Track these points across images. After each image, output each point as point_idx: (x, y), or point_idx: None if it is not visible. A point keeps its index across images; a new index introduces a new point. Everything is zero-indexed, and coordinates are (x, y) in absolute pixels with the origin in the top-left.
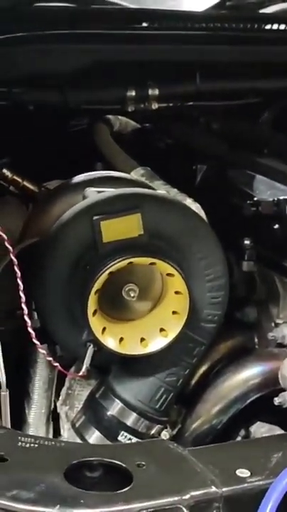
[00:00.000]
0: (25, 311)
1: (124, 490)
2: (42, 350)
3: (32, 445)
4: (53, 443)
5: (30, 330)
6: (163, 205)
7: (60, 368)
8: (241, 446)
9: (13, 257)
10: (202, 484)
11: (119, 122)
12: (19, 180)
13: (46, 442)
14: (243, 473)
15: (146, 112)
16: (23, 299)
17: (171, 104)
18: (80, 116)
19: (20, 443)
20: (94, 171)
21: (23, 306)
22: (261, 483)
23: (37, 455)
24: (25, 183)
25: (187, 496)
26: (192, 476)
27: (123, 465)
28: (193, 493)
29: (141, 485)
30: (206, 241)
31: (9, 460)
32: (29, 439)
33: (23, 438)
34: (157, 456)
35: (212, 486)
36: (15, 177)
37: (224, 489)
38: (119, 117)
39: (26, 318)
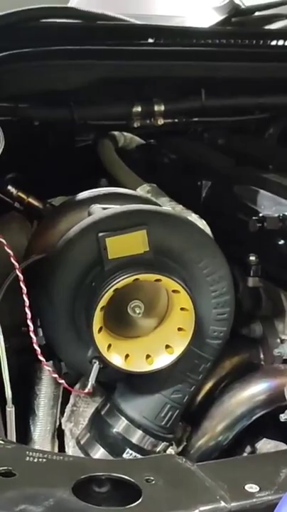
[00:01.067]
0: (31, 327)
1: (133, 505)
2: (47, 368)
3: (40, 460)
4: (61, 458)
5: (35, 347)
6: (168, 222)
7: (65, 385)
8: (249, 461)
9: (18, 273)
10: (211, 499)
11: (124, 138)
12: (24, 196)
13: (54, 457)
14: (252, 488)
15: (152, 128)
16: (29, 315)
17: (176, 120)
18: (86, 132)
19: (28, 457)
20: (98, 187)
21: (29, 322)
22: (269, 498)
23: (45, 470)
24: (30, 200)
25: (195, 511)
26: (201, 492)
27: (132, 480)
28: (202, 509)
29: (149, 500)
30: (212, 257)
31: (17, 475)
32: (37, 453)
33: (30, 453)
34: (165, 471)
35: (221, 501)
36: (20, 193)
37: (232, 504)
38: (124, 133)
39: (32, 334)
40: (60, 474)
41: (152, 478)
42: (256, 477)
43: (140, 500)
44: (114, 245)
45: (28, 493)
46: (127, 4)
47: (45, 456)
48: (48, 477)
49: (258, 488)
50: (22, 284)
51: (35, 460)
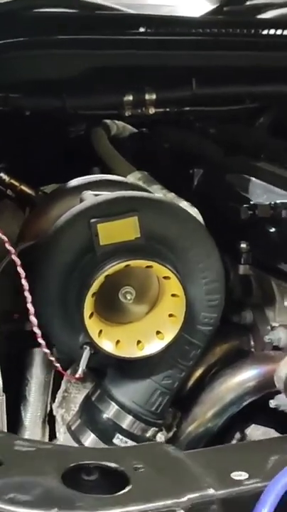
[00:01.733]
0: (31, 310)
1: (121, 493)
2: (46, 350)
3: (28, 449)
4: (50, 446)
5: (35, 330)
6: (159, 209)
7: (60, 369)
8: (238, 448)
9: (15, 258)
10: (199, 487)
11: (116, 127)
12: (16, 184)
13: (43, 446)
14: (240, 475)
15: (143, 117)
16: (29, 298)
17: (168, 109)
18: (78, 121)
19: (16, 447)
20: (91, 175)
21: (29, 306)
22: (258, 485)
23: (33, 458)
24: (23, 187)
25: (184, 499)
26: (189, 479)
27: (120, 468)
28: (190, 496)
29: (137, 488)
30: (203, 244)
31: (5, 464)
32: (25, 442)
33: (19, 442)
34: (154, 459)
35: (209, 489)
36: (12, 181)
37: (221, 492)
38: (116, 122)
39: (33, 318)
40: (49, 463)
41: (140, 466)
42: (245, 465)
43: (128, 488)
44: (106, 231)
45: (16, 481)
46: None
47: (34, 445)
48: (37, 466)
49: (246, 476)
50: (19, 269)
51: (24, 449)
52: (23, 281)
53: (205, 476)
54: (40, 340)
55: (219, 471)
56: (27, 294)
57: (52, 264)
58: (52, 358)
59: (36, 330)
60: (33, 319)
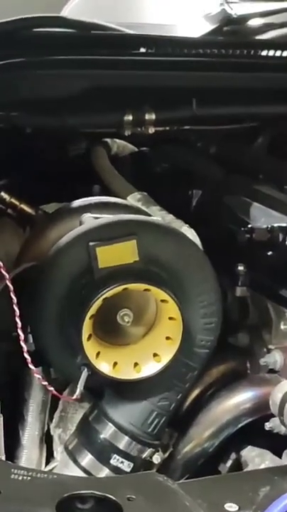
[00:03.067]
0: (21, 336)
1: None
2: (37, 375)
3: (25, 478)
4: (46, 475)
5: (25, 355)
6: (158, 232)
7: (54, 392)
8: (229, 479)
9: (8, 283)
10: None
11: (117, 145)
12: (16, 203)
13: (39, 475)
14: (231, 507)
15: (143, 136)
16: (19, 324)
17: (167, 128)
18: (78, 139)
19: (13, 475)
20: (91, 193)
21: (19, 332)
22: None
23: (29, 488)
24: (23, 206)
25: None
26: (181, 510)
27: (114, 498)
28: None
29: None
30: (200, 268)
31: (2, 492)
32: (22, 471)
33: (16, 470)
34: (147, 490)
35: None
36: (12, 200)
37: None
38: (117, 140)
39: (22, 343)
40: (44, 492)
41: (133, 496)
42: (236, 496)
43: None
44: (104, 255)
45: (12, 510)
46: (119, 13)
47: (30, 473)
48: (33, 495)
49: (237, 507)
50: (12, 295)
51: (20, 478)
52: (15, 307)
53: (197, 507)
54: (31, 366)
55: (211, 503)
56: (17, 319)
57: (51, 285)
58: (45, 383)
59: (26, 356)
60: (24, 345)
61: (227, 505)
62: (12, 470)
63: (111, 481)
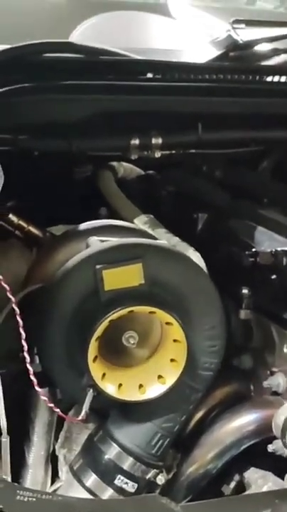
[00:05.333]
0: (27, 359)
1: None
2: (43, 397)
3: (30, 499)
4: (51, 497)
5: (32, 378)
6: (163, 256)
7: (60, 413)
8: (231, 502)
9: (14, 307)
10: None
11: (123, 169)
12: (24, 225)
13: (44, 496)
14: None
15: (149, 160)
16: (25, 347)
17: (174, 152)
18: (84, 163)
19: (18, 496)
20: (98, 216)
21: (25, 354)
22: None
23: (34, 509)
24: (30, 228)
25: None
26: None
27: None
28: None
29: None
30: (204, 291)
31: None
32: (27, 492)
33: (21, 492)
34: None
35: None
36: (20, 222)
37: None
38: (123, 164)
39: (28, 366)
40: None
41: None
42: None
43: None
44: (110, 277)
45: None
46: (127, 38)
47: (35, 495)
48: None
49: None
50: (18, 318)
51: (25, 499)
52: (21, 330)
53: None
54: (37, 389)
55: None
56: (24, 342)
57: (57, 307)
58: (51, 405)
59: (33, 378)
60: (30, 368)
61: None
62: (17, 491)
63: (116, 504)
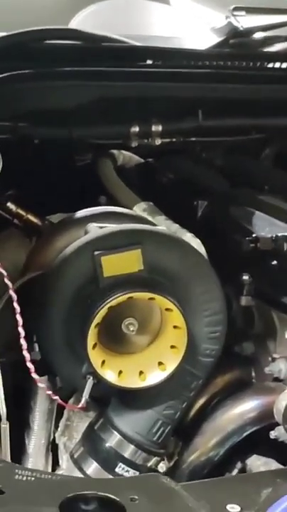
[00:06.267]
0: (24, 346)
1: None
2: (41, 385)
3: (28, 478)
4: (49, 476)
5: (29, 365)
6: (163, 242)
7: (59, 401)
8: (232, 481)
9: (12, 293)
10: None
11: (123, 157)
12: (23, 213)
13: (42, 475)
14: (233, 508)
15: (149, 148)
16: (22, 334)
17: (174, 140)
18: (84, 150)
19: (17, 476)
20: (97, 204)
21: (22, 341)
22: None
23: (33, 488)
24: (29, 217)
25: None
26: (184, 511)
27: (117, 499)
28: None
29: None
30: (205, 277)
31: (6, 493)
32: (26, 472)
33: (19, 471)
34: (150, 491)
35: None
36: (19, 210)
37: None
38: (123, 152)
39: (25, 353)
40: (48, 493)
41: (136, 497)
42: (238, 497)
43: None
44: (109, 264)
45: (16, 510)
46: (126, 25)
47: (34, 474)
48: (36, 495)
49: (239, 508)
50: (15, 304)
51: (24, 478)
52: (18, 317)
53: (200, 508)
54: (35, 376)
55: (213, 504)
56: (21, 329)
57: (56, 294)
58: (50, 392)
59: (30, 365)
60: (27, 354)
61: (229, 507)
62: (16, 471)
63: (115, 482)
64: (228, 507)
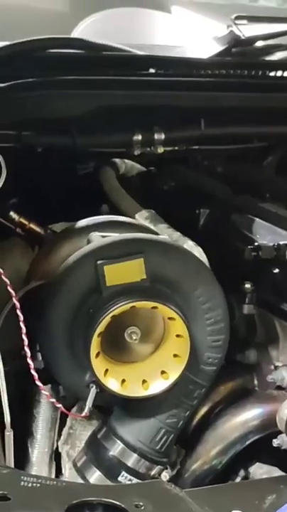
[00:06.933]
0: (28, 353)
1: None
2: (45, 392)
3: (34, 484)
4: (55, 483)
5: (33, 372)
6: (165, 251)
7: (63, 409)
8: (236, 487)
9: (15, 301)
10: None
11: (125, 165)
12: (25, 222)
13: (48, 482)
14: None
15: (152, 156)
16: (26, 342)
17: (176, 148)
18: (87, 158)
19: (22, 482)
20: (99, 212)
21: (26, 349)
22: None
23: (38, 494)
24: (32, 226)
25: None
26: None
27: (122, 505)
28: None
29: None
30: (207, 286)
31: (12, 499)
32: (31, 478)
33: (25, 477)
34: (154, 497)
35: None
36: (21, 219)
37: None
38: (125, 160)
39: (29, 361)
40: (53, 499)
41: (141, 503)
42: (242, 504)
43: None
44: (112, 273)
45: None
46: (129, 35)
47: (39, 480)
48: (42, 501)
49: None
50: (19, 312)
51: (30, 485)
52: (21, 325)
53: None
54: (38, 383)
55: (217, 510)
56: (24, 337)
57: (59, 303)
58: (53, 400)
59: (34, 373)
60: (30, 362)
61: None
62: (21, 477)
63: (120, 489)
64: None
